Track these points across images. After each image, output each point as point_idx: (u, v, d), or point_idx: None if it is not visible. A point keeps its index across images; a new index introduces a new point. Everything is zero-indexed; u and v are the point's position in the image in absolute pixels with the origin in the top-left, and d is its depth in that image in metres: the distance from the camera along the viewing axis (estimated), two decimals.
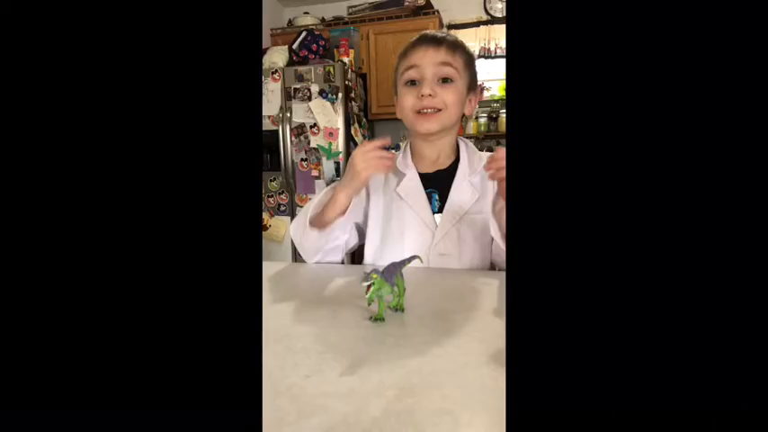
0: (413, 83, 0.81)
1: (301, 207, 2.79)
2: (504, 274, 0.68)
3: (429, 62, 0.79)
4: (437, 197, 0.85)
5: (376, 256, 0.86)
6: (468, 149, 0.88)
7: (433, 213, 0.84)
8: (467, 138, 0.99)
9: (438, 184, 0.85)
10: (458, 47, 0.81)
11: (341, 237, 0.83)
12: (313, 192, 2.74)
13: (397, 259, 0.56)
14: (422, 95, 0.78)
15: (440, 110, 0.79)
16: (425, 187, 0.85)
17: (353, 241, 0.88)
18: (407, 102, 0.81)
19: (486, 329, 0.50)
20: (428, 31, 0.84)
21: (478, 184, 0.84)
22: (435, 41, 0.80)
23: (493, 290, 0.63)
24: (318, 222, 0.79)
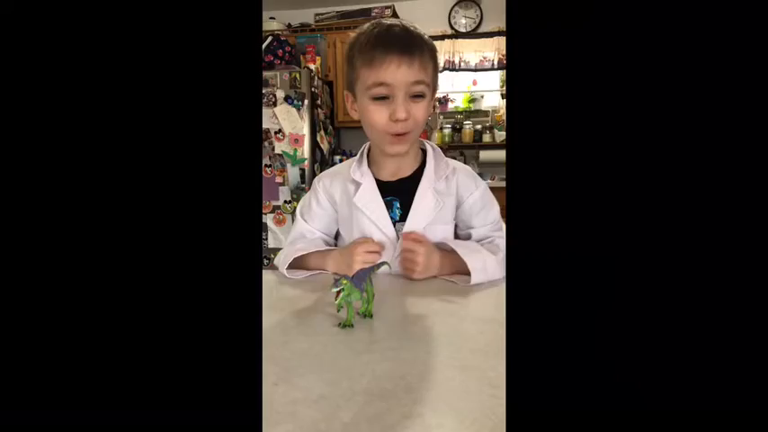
0: (381, 97, 0.73)
1: (264, 214, 2.73)
2: (468, 278, 0.70)
3: (402, 81, 0.71)
4: (398, 205, 0.82)
5: None
6: (435, 154, 0.85)
7: (395, 222, 0.81)
8: None
9: (400, 192, 0.82)
10: (425, 52, 0.73)
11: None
12: (276, 198, 2.69)
13: None
14: (396, 120, 0.72)
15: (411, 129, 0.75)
16: (386, 195, 0.82)
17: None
18: (377, 119, 0.74)
19: (454, 333, 0.50)
20: (394, 30, 0.73)
21: (444, 191, 0.82)
22: (408, 53, 0.70)
23: (459, 294, 0.65)
24: (297, 265, 0.80)
